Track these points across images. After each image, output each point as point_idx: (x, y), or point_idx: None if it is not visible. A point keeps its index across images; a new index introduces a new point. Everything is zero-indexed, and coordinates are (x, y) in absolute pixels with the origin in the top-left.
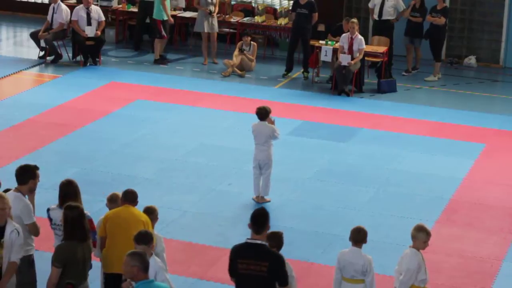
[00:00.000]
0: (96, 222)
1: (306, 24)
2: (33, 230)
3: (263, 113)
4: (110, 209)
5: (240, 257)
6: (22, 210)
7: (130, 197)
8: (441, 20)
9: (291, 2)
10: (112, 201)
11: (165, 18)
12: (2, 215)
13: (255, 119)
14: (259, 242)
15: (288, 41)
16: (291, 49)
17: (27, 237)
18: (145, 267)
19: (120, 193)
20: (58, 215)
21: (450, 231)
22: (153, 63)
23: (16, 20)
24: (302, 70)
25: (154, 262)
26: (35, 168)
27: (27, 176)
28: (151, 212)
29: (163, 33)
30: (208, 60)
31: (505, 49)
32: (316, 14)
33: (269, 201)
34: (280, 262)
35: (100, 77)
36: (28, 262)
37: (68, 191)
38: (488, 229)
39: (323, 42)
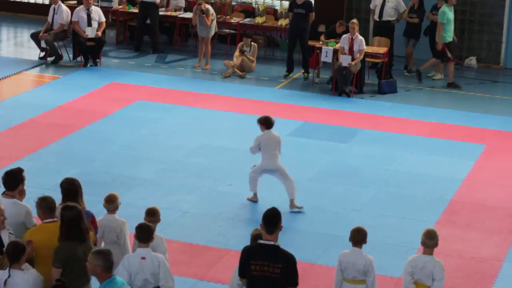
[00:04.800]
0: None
1: (304, 24)
2: None
3: (270, 122)
4: (107, 210)
5: (253, 258)
6: (26, 216)
7: (52, 206)
8: None
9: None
10: (110, 202)
11: (448, 40)
12: (2, 220)
13: (255, 120)
14: (272, 243)
15: (287, 42)
16: (290, 50)
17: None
18: (108, 266)
19: (117, 194)
20: None
21: (450, 231)
22: (446, 86)
23: (17, 21)
24: (302, 71)
25: (155, 257)
26: (21, 171)
27: (15, 181)
28: (153, 214)
29: (449, 55)
30: (201, 64)
31: (506, 50)
32: (313, 13)
33: (301, 208)
34: (292, 263)
35: (101, 77)
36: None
37: (70, 189)
38: (489, 230)
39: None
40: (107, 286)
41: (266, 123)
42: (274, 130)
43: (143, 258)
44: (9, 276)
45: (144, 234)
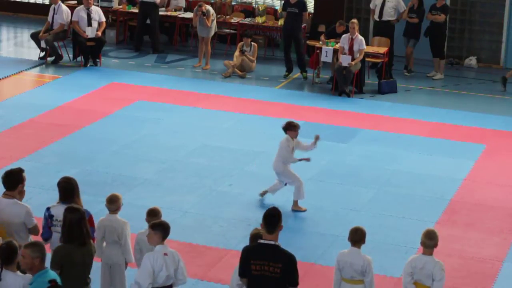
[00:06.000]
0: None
1: (297, 23)
2: (35, 231)
3: (284, 127)
4: (109, 210)
5: (253, 258)
6: (25, 216)
7: None
8: (441, 18)
9: None
10: (112, 202)
11: None
12: None
13: (255, 120)
14: (272, 242)
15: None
16: (286, 49)
17: (26, 241)
18: (45, 257)
19: (119, 194)
20: (60, 211)
21: (451, 231)
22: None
23: (17, 21)
24: (301, 71)
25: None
26: (21, 171)
27: (14, 181)
28: (154, 214)
29: None
30: (201, 64)
31: (506, 50)
32: (307, 13)
33: (304, 210)
34: (293, 262)
35: (101, 77)
36: None
37: (67, 188)
38: (489, 229)
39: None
40: (42, 277)
41: (283, 127)
42: (285, 136)
43: (165, 254)
44: (0, 279)
45: (168, 231)
